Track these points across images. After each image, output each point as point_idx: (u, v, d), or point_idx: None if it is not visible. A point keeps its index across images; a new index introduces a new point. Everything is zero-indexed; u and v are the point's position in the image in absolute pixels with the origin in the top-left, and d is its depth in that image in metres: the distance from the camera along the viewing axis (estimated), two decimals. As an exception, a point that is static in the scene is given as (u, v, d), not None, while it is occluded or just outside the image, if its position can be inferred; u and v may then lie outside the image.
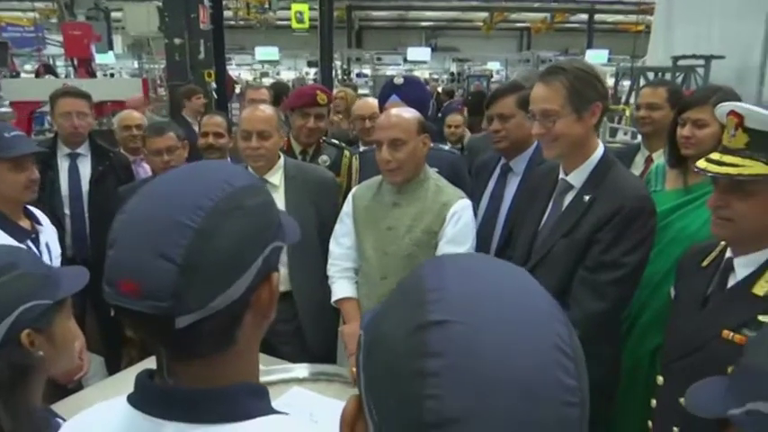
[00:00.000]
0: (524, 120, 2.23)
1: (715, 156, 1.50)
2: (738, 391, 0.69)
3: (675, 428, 1.56)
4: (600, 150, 1.96)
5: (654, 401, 1.67)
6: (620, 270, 1.83)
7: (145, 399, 0.79)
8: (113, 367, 3.29)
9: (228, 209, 0.74)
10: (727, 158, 1.46)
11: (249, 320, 0.79)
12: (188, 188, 0.76)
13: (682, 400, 1.51)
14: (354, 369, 2.35)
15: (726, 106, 1.50)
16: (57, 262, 2.37)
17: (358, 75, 21.58)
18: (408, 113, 2.23)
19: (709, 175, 1.49)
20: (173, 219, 0.72)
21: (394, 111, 2.26)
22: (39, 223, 2.37)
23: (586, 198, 1.91)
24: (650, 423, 1.69)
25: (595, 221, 1.86)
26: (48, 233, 2.39)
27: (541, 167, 2.21)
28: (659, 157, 2.96)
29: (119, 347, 3.39)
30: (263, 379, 0.85)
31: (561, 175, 2.01)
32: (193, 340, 0.74)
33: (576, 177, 1.96)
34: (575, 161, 1.96)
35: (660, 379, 1.65)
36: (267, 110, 2.55)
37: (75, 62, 8.28)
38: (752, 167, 1.41)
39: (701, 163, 1.52)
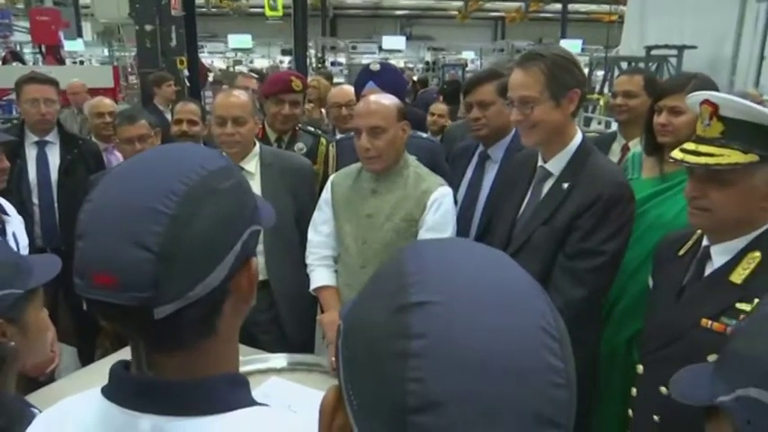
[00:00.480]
0: (504, 107, 2.21)
1: (690, 146, 1.49)
2: (726, 377, 0.68)
3: (656, 417, 1.56)
4: (578, 138, 1.95)
5: (634, 390, 1.67)
6: (600, 257, 1.83)
7: (120, 391, 0.75)
8: (87, 359, 3.24)
9: (203, 193, 0.71)
10: (703, 148, 1.45)
11: (229, 308, 0.76)
12: (159, 172, 0.72)
13: (662, 389, 1.52)
14: (334, 358, 2.31)
15: (698, 95, 1.49)
16: (24, 252, 2.30)
17: (332, 63, 21.41)
18: (388, 100, 2.19)
19: (685, 165, 1.48)
20: (145, 205, 0.68)
21: (373, 97, 2.22)
22: (5, 213, 2.30)
23: (565, 186, 1.91)
24: (630, 412, 1.69)
25: (574, 209, 1.86)
26: (14, 223, 2.33)
27: (519, 155, 2.20)
28: (636, 146, 2.97)
29: (92, 338, 3.33)
30: (240, 369, 0.83)
31: (540, 163, 2.00)
32: (173, 331, 0.71)
33: (555, 165, 1.95)
34: (553, 148, 1.95)
35: (640, 368, 1.65)
36: (242, 95, 2.50)
37: (43, 49, 8.10)
38: (729, 156, 1.40)
39: (677, 154, 1.51)
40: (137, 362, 0.76)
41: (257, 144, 2.58)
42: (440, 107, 5.10)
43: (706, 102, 1.46)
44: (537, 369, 0.46)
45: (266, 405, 0.80)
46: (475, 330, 0.46)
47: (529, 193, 2.03)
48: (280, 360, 2.18)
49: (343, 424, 0.53)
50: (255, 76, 5.26)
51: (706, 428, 0.70)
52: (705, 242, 1.56)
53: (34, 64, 9.81)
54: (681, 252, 1.64)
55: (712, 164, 1.42)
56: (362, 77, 2.99)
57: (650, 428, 1.58)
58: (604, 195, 1.82)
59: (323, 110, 4.74)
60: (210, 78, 11.24)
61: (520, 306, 0.50)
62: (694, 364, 0.80)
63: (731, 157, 1.40)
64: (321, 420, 0.56)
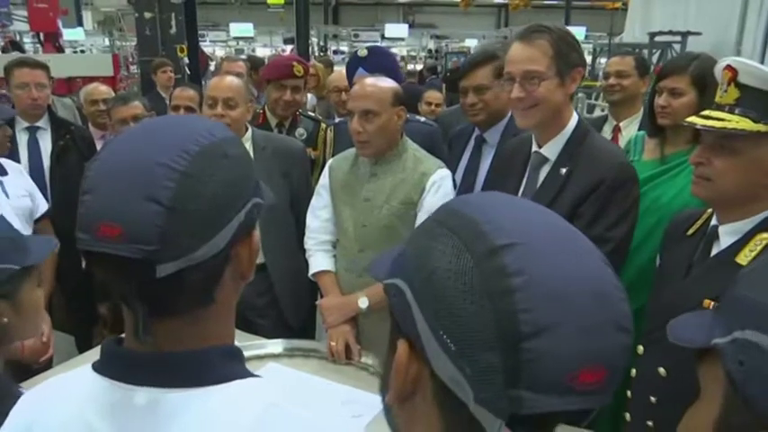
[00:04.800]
0: (500, 90, 2.16)
1: (705, 112, 1.46)
2: (725, 321, 0.66)
3: (653, 398, 1.53)
4: (574, 119, 1.85)
5: (633, 371, 1.63)
6: (607, 245, 1.70)
7: (113, 365, 0.74)
8: (84, 348, 3.21)
9: (214, 155, 0.72)
10: (715, 114, 1.42)
11: (228, 279, 0.76)
12: (170, 133, 0.73)
13: (661, 369, 1.50)
14: (334, 343, 2.28)
15: (724, 61, 1.45)
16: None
17: (335, 52, 21.37)
18: (385, 83, 2.15)
19: (696, 127, 1.45)
20: (157, 161, 0.68)
21: (370, 80, 2.17)
22: (-6, 199, 2.28)
23: (563, 171, 1.81)
24: (629, 393, 1.66)
25: (575, 195, 1.76)
26: (4, 209, 2.30)
27: (511, 142, 2.13)
28: (627, 126, 2.97)
29: (89, 327, 3.31)
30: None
31: (534, 148, 1.90)
32: (173, 293, 0.71)
33: (551, 149, 1.85)
34: (549, 132, 1.85)
35: (641, 348, 1.60)
36: (235, 80, 2.48)
37: (42, 37, 8.06)
38: (737, 123, 1.37)
39: (692, 118, 1.47)
40: (133, 330, 0.73)
41: (249, 128, 2.56)
42: (435, 95, 4.75)
43: (727, 67, 1.42)
44: (611, 289, 0.56)
45: (260, 377, 0.79)
46: (559, 263, 0.55)
47: (524, 181, 1.93)
48: (277, 346, 2.16)
49: (418, 373, 0.59)
50: (242, 58, 5.22)
51: (698, 372, 0.70)
52: (714, 222, 1.52)
53: (34, 53, 9.76)
54: (690, 231, 1.60)
55: (719, 127, 1.39)
56: (352, 65, 2.94)
57: (647, 410, 1.54)
58: (607, 179, 1.73)
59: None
60: (212, 67, 11.19)
61: (579, 241, 0.60)
62: (696, 311, 0.79)
63: (740, 123, 1.37)
64: (397, 375, 0.60)
